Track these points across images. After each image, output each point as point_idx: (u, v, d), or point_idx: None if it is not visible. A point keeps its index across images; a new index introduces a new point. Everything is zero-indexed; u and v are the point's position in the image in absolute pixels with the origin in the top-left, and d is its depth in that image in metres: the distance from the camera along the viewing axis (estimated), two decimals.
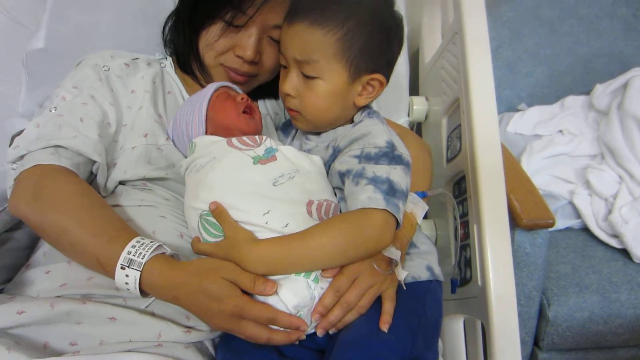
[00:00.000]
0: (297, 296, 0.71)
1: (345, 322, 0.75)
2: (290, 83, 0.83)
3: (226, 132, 0.86)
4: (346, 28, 0.78)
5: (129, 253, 0.72)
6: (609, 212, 1.50)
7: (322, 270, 0.74)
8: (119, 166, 0.89)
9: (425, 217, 0.94)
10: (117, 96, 0.94)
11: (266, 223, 0.74)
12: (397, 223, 0.75)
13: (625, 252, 1.45)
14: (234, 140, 0.81)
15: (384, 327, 0.73)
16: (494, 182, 0.90)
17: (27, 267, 0.85)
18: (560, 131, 1.73)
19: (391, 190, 0.74)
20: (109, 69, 0.96)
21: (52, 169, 0.81)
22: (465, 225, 0.97)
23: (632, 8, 1.80)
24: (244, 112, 0.89)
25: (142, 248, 0.73)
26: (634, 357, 1.44)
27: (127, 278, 0.72)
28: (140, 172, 0.88)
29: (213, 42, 0.96)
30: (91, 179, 0.89)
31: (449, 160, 1.09)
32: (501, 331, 0.83)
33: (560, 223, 1.56)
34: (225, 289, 0.70)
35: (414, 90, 1.43)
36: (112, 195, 0.90)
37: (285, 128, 1.03)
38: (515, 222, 1.19)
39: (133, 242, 0.74)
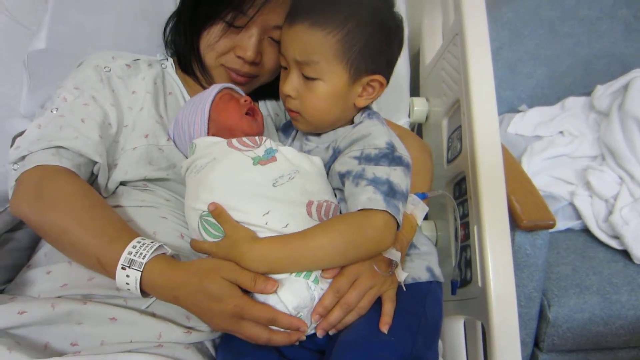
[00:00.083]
0: (297, 297, 0.71)
1: (345, 323, 0.75)
2: (291, 84, 0.83)
3: (229, 133, 0.86)
4: (346, 29, 0.78)
5: (130, 253, 0.72)
6: (610, 213, 1.50)
7: (322, 271, 0.74)
8: (120, 167, 0.89)
9: (425, 218, 0.94)
10: (118, 97, 0.94)
11: (266, 223, 0.74)
12: (397, 224, 0.75)
13: (625, 253, 1.45)
14: (234, 141, 0.82)
15: (384, 328, 0.73)
16: (495, 183, 0.90)
17: (28, 267, 0.86)
18: (561, 132, 1.73)
19: (391, 192, 0.74)
20: (110, 69, 0.96)
21: (53, 170, 0.81)
22: (466, 226, 0.97)
23: (632, 9, 1.80)
24: (246, 113, 0.89)
25: (142, 248, 0.73)
26: (635, 358, 1.44)
27: (128, 278, 0.72)
28: (141, 173, 0.88)
29: (214, 42, 0.97)
30: (92, 179, 0.89)
31: (449, 161, 1.09)
32: (501, 332, 0.83)
33: (561, 224, 1.56)
34: (225, 289, 0.70)
35: (414, 91, 1.43)
36: (113, 196, 0.90)
37: (286, 129, 1.03)
38: (515, 223, 1.19)
39: (134, 242, 0.74)
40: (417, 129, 1.41)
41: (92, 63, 0.96)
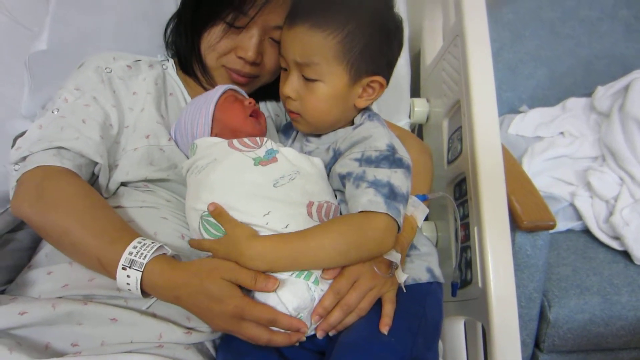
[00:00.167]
0: (297, 298, 0.71)
1: (345, 324, 0.75)
2: (291, 86, 0.83)
3: (232, 134, 0.86)
4: (347, 31, 0.78)
5: (131, 254, 0.73)
6: (610, 214, 1.50)
7: (323, 272, 0.74)
8: (121, 167, 0.89)
9: (426, 219, 0.94)
10: (119, 98, 0.95)
11: (267, 224, 0.74)
12: (398, 227, 0.75)
13: (626, 254, 1.45)
14: (235, 141, 0.82)
15: (384, 329, 0.73)
16: (495, 184, 0.90)
17: (29, 268, 0.86)
18: (562, 133, 1.73)
19: (392, 194, 0.74)
20: (111, 70, 0.97)
21: (54, 170, 0.81)
22: (466, 227, 0.97)
23: (633, 10, 1.80)
24: (250, 115, 0.89)
25: (143, 249, 0.73)
26: (635, 359, 1.44)
27: (129, 279, 0.72)
28: (142, 174, 0.89)
29: (215, 43, 0.97)
30: (93, 180, 0.90)
31: (449, 162, 1.09)
32: (502, 333, 0.83)
33: (561, 225, 1.56)
34: (225, 290, 0.71)
35: (415, 92, 1.43)
36: (114, 197, 0.90)
37: (286, 130, 1.04)
38: (516, 223, 1.19)
39: (134, 242, 0.74)
40: (418, 129, 1.41)
41: (93, 64, 0.96)
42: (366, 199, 0.73)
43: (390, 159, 0.78)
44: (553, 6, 1.79)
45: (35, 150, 0.83)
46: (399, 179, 0.76)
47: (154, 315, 0.77)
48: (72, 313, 0.74)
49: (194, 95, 1.01)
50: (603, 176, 1.56)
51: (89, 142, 0.85)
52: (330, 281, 0.74)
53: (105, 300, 0.77)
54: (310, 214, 0.76)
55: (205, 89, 1.03)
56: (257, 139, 0.83)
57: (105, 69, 0.96)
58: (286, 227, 0.74)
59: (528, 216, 1.19)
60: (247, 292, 0.73)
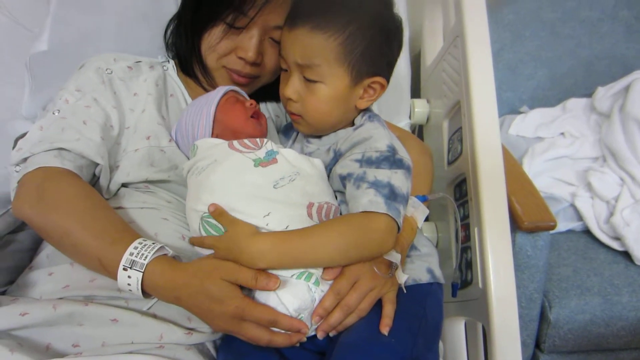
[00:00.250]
0: (297, 299, 0.72)
1: (345, 325, 0.75)
2: (292, 87, 0.83)
3: (233, 135, 0.86)
4: (347, 32, 0.78)
5: (131, 254, 0.73)
6: (611, 214, 1.50)
7: (323, 273, 0.74)
8: (122, 168, 0.89)
9: (426, 219, 0.94)
10: (120, 99, 0.95)
11: (267, 225, 0.74)
12: (398, 227, 0.75)
13: (626, 255, 1.45)
14: (235, 143, 0.82)
15: (385, 330, 0.73)
16: (495, 184, 0.90)
17: (30, 269, 0.86)
18: (562, 134, 1.73)
19: (392, 195, 0.74)
20: (111, 71, 0.97)
21: (55, 172, 0.81)
22: (466, 227, 0.97)
23: (634, 11, 1.80)
24: (251, 116, 0.89)
25: (144, 249, 0.73)
26: None
27: (130, 279, 0.72)
28: (143, 175, 0.89)
29: (215, 44, 0.97)
30: (94, 181, 0.90)
31: (450, 163, 1.09)
32: (502, 333, 0.83)
33: (562, 225, 1.56)
34: (226, 290, 0.71)
35: (415, 92, 1.43)
36: (115, 198, 0.90)
37: (287, 131, 1.04)
38: (516, 224, 1.19)
39: (135, 243, 0.74)
40: (418, 130, 1.41)
41: (94, 65, 0.96)
42: (367, 199, 0.73)
43: (391, 160, 0.78)
44: (553, 7, 1.79)
45: (36, 151, 0.83)
46: (399, 179, 0.77)
47: (155, 316, 0.77)
48: (73, 314, 0.74)
49: (195, 96, 1.01)
50: (603, 177, 1.56)
51: (89, 144, 0.85)
52: (330, 282, 0.74)
53: (106, 301, 0.78)
54: (310, 215, 0.76)
55: (206, 90, 1.03)
56: (257, 140, 0.83)
57: (106, 70, 0.96)
58: (286, 228, 0.74)
59: (528, 217, 1.19)
60: (247, 293, 0.73)
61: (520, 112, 1.84)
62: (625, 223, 1.45)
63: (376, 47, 0.81)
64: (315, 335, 0.76)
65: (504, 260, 0.86)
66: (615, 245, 1.47)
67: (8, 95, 1.19)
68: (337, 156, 0.84)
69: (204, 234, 0.77)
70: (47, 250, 0.86)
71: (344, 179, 0.80)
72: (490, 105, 0.94)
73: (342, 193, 0.82)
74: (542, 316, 1.35)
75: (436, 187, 1.10)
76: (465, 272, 0.96)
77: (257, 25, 0.94)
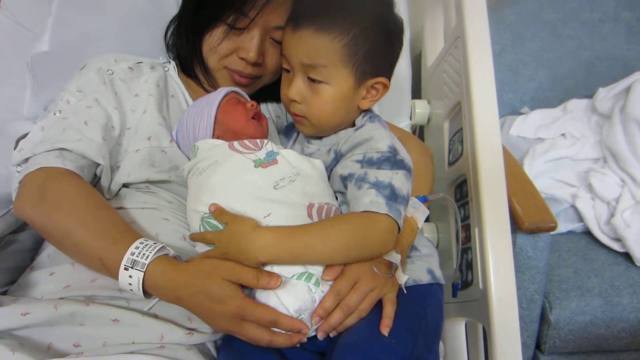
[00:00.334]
0: (298, 299, 0.72)
1: (345, 326, 0.75)
2: (296, 89, 0.83)
3: (234, 136, 0.86)
4: (352, 34, 0.78)
5: (133, 254, 0.73)
6: (612, 215, 1.50)
7: (323, 274, 0.74)
8: (123, 169, 0.90)
9: (427, 220, 0.94)
10: (121, 100, 0.95)
11: (267, 226, 0.74)
12: (399, 228, 0.75)
13: (627, 256, 1.45)
14: (235, 143, 0.82)
15: (385, 330, 0.73)
16: (495, 185, 0.90)
17: (31, 269, 0.86)
18: (563, 134, 1.73)
19: (393, 196, 0.75)
20: (112, 72, 0.97)
21: (56, 172, 0.81)
22: (467, 228, 0.97)
23: (635, 12, 1.80)
24: (252, 118, 0.90)
25: (145, 249, 0.73)
26: None
27: (131, 279, 0.72)
28: (144, 175, 0.89)
29: (216, 45, 0.97)
30: (95, 181, 0.90)
31: (450, 164, 1.09)
32: (502, 334, 0.83)
33: (563, 226, 1.56)
34: (227, 290, 0.71)
35: (416, 93, 1.43)
36: (116, 198, 0.90)
37: (287, 131, 1.04)
38: (517, 225, 1.19)
39: (136, 243, 0.74)
40: (419, 131, 1.41)
41: (95, 66, 0.96)
42: (368, 199, 0.73)
43: (392, 161, 0.78)
44: (554, 8, 1.79)
45: (37, 151, 0.83)
46: (400, 180, 0.77)
47: (156, 316, 0.78)
48: (74, 314, 0.74)
49: (196, 97, 1.01)
50: (604, 178, 1.56)
51: (91, 144, 0.85)
52: (330, 282, 0.74)
53: (107, 301, 0.78)
54: (310, 216, 0.76)
55: (207, 91, 1.03)
56: (258, 140, 0.83)
57: (107, 71, 0.97)
58: None
59: (529, 218, 1.19)
60: (248, 293, 0.74)
61: (521, 113, 1.84)
62: (625, 224, 1.45)
63: (379, 48, 0.82)
64: (315, 336, 0.76)
65: (504, 261, 0.86)
66: (615, 246, 1.47)
67: (9, 96, 1.19)
68: (338, 157, 0.84)
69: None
70: (49, 250, 0.86)
71: (345, 179, 0.80)
72: (490, 106, 0.94)
73: (343, 194, 0.82)
74: (543, 317, 1.35)
75: (437, 187, 1.10)
76: (465, 273, 0.96)
77: (258, 26, 0.94)
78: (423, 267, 0.87)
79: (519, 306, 0.85)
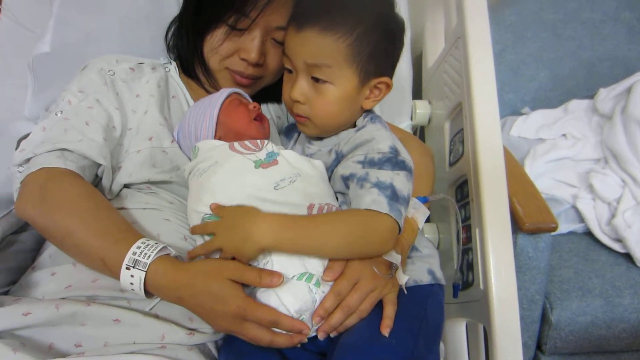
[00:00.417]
0: (298, 300, 0.72)
1: (346, 326, 0.75)
2: (300, 89, 0.82)
3: (236, 137, 0.86)
4: (355, 34, 0.79)
5: (134, 254, 0.73)
6: (612, 216, 1.50)
7: (324, 274, 0.74)
8: (124, 169, 0.90)
9: (427, 220, 0.94)
10: (122, 100, 0.95)
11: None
12: (399, 228, 0.75)
13: (628, 257, 1.45)
14: (236, 144, 0.82)
15: (385, 331, 0.73)
16: (496, 186, 0.90)
17: (32, 269, 0.86)
18: (564, 135, 1.73)
19: (394, 196, 0.75)
20: (114, 73, 0.97)
21: (57, 172, 0.81)
22: (468, 229, 0.97)
23: (636, 12, 1.80)
24: (254, 119, 0.90)
25: (147, 249, 0.73)
26: None
27: (132, 278, 0.72)
28: (145, 175, 0.89)
29: (217, 46, 0.97)
30: (96, 181, 0.90)
31: (451, 164, 1.09)
32: (503, 335, 0.83)
33: (563, 227, 1.56)
34: (228, 290, 0.71)
35: (417, 94, 1.43)
36: (117, 198, 0.90)
37: (288, 132, 1.04)
38: (518, 226, 1.19)
39: (138, 243, 0.74)
40: (420, 131, 1.41)
41: (96, 66, 0.97)
42: (370, 198, 0.74)
43: (393, 161, 0.78)
44: (555, 8, 1.79)
45: (39, 152, 0.83)
46: (401, 181, 0.77)
47: (157, 316, 0.78)
48: (76, 314, 0.74)
49: (196, 97, 1.01)
50: (605, 178, 1.56)
51: (92, 144, 0.85)
52: (331, 283, 0.74)
53: (109, 302, 0.78)
54: None
55: (208, 92, 1.03)
56: (258, 141, 0.83)
57: (109, 71, 0.97)
58: None
59: (530, 218, 1.19)
60: (249, 294, 0.74)
61: (522, 114, 1.84)
62: (626, 225, 1.45)
63: (382, 48, 0.82)
64: (316, 336, 0.76)
65: (505, 262, 0.86)
66: (616, 247, 1.47)
67: (10, 96, 1.19)
68: (339, 157, 0.84)
69: (206, 237, 0.77)
70: (50, 251, 0.87)
71: (346, 179, 0.80)
72: (491, 107, 0.94)
73: (343, 194, 0.82)
74: (544, 318, 1.34)
75: (437, 188, 1.10)
76: (466, 274, 0.96)
77: (259, 27, 0.94)
78: (424, 267, 0.87)
79: (519, 307, 0.85)
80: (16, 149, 0.89)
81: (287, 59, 0.84)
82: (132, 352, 0.73)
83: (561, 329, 1.33)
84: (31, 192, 0.80)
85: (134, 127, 0.93)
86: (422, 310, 0.80)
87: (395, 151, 0.79)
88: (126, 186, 0.91)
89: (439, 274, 0.89)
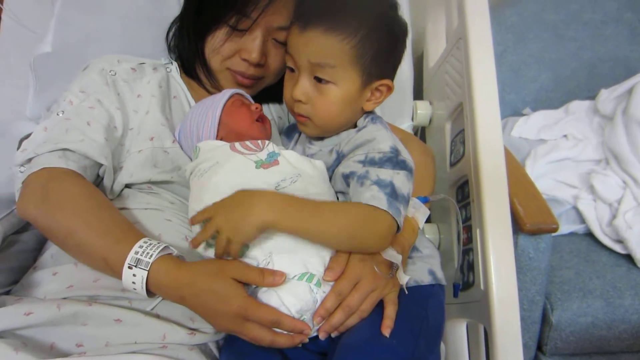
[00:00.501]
0: (299, 300, 0.72)
1: (347, 326, 0.75)
2: (302, 89, 0.82)
3: (237, 138, 0.86)
4: (359, 36, 0.79)
5: (137, 253, 0.73)
6: (613, 217, 1.50)
7: (324, 274, 0.74)
8: (126, 169, 0.90)
9: (428, 220, 0.94)
10: (124, 100, 0.95)
11: None
12: (398, 227, 0.75)
13: (629, 258, 1.44)
14: (237, 145, 0.82)
15: (386, 331, 0.73)
16: (497, 186, 0.90)
17: (34, 269, 0.86)
18: (565, 136, 1.73)
19: (393, 194, 0.75)
20: (115, 73, 0.97)
21: (59, 172, 0.82)
22: (468, 229, 0.97)
23: (637, 13, 1.80)
24: (256, 120, 0.90)
25: (149, 248, 0.74)
26: None
27: (134, 277, 0.72)
28: (147, 175, 0.89)
29: (219, 46, 0.97)
30: (98, 181, 0.90)
31: (452, 165, 1.10)
32: (504, 335, 0.83)
33: (564, 228, 1.55)
34: (230, 289, 0.71)
35: (418, 94, 1.43)
36: (119, 198, 0.91)
37: (289, 132, 1.04)
38: (518, 226, 1.19)
39: (140, 242, 0.74)
40: (420, 132, 1.42)
41: (98, 67, 0.97)
42: (370, 194, 0.74)
43: (394, 161, 0.78)
44: (556, 9, 1.79)
45: (40, 152, 0.83)
46: (400, 180, 0.77)
47: (158, 316, 0.78)
48: (77, 314, 0.74)
49: (198, 98, 1.01)
50: (606, 179, 1.56)
51: (93, 144, 0.86)
52: (332, 283, 0.75)
53: (110, 301, 0.78)
54: None
55: (209, 92, 1.03)
56: (259, 141, 0.83)
57: (110, 71, 0.97)
58: None
59: (531, 219, 1.19)
60: (250, 294, 0.74)
61: (523, 114, 1.84)
62: (627, 226, 1.45)
63: (385, 50, 0.82)
64: (317, 336, 0.76)
65: (505, 262, 0.86)
66: (617, 248, 1.47)
67: (12, 96, 1.20)
68: (340, 158, 0.84)
69: None
70: (52, 250, 0.87)
71: (346, 177, 0.80)
72: (492, 107, 0.94)
73: (344, 194, 0.82)
74: (544, 318, 1.34)
75: (438, 188, 1.10)
76: (467, 274, 0.96)
77: (260, 27, 0.95)
78: (424, 267, 0.87)
79: (520, 307, 0.85)
80: (18, 149, 0.89)
81: (290, 58, 0.83)
82: (134, 352, 0.73)
83: (562, 329, 1.33)
84: (33, 192, 0.80)
85: (135, 127, 0.94)
86: (422, 311, 0.80)
87: (395, 151, 0.80)
88: (127, 186, 0.91)
89: (440, 274, 0.89)
